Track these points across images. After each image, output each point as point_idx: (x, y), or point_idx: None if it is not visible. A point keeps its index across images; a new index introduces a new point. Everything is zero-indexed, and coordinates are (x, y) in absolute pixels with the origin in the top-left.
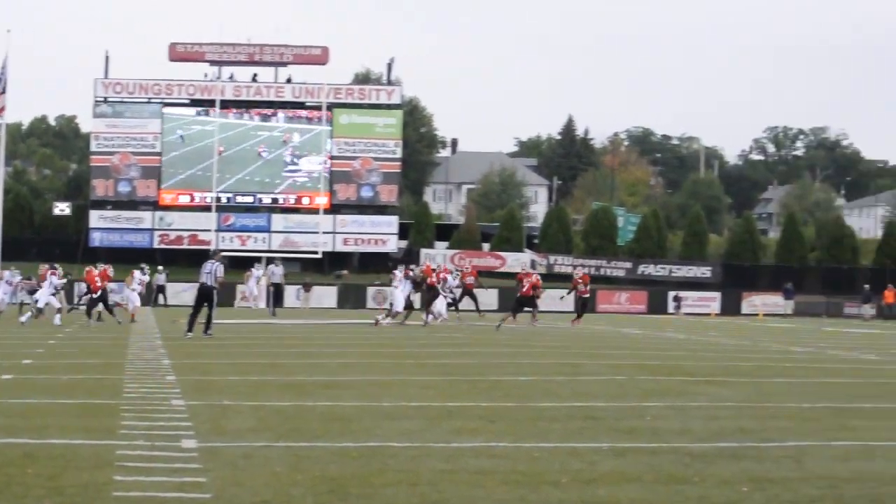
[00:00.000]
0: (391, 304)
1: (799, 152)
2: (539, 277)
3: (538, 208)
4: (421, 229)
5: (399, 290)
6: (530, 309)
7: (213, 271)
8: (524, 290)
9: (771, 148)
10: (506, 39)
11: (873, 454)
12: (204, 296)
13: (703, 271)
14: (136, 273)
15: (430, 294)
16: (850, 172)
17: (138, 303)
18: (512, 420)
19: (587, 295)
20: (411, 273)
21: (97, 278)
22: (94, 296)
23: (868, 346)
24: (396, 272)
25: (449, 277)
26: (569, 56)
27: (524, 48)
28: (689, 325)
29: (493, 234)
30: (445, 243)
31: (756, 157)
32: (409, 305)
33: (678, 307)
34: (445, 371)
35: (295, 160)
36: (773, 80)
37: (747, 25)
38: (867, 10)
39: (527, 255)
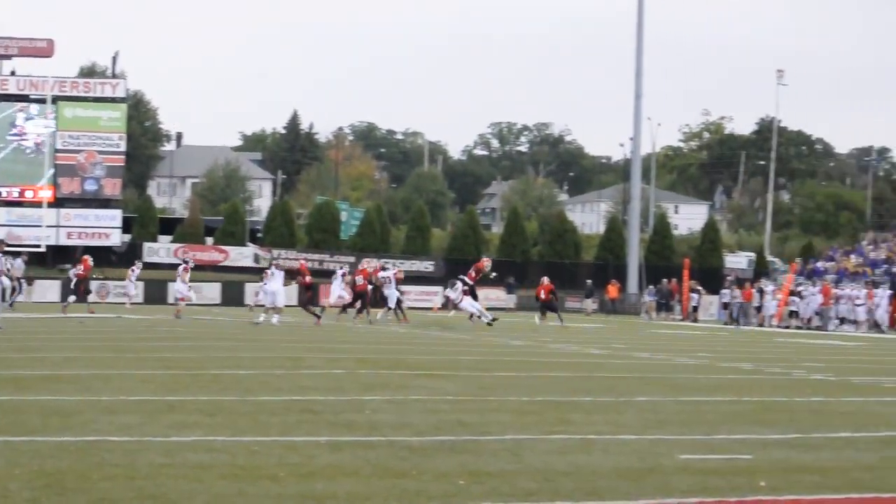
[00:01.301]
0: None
1: (522, 148)
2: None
3: (262, 202)
4: (145, 223)
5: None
6: (553, 312)
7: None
8: (543, 296)
9: (495, 143)
10: (231, 33)
11: (591, 447)
12: None
13: (426, 265)
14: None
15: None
16: (573, 168)
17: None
18: (231, 414)
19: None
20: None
21: None
22: None
23: (590, 341)
24: (270, 270)
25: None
26: (293, 50)
27: (249, 42)
28: (411, 318)
29: (217, 228)
30: (169, 237)
31: (480, 152)
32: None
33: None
34: (166, 365)
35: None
36: (498, 76)
37: (472, 20)
38: (587, 9)
39: (250, 249)
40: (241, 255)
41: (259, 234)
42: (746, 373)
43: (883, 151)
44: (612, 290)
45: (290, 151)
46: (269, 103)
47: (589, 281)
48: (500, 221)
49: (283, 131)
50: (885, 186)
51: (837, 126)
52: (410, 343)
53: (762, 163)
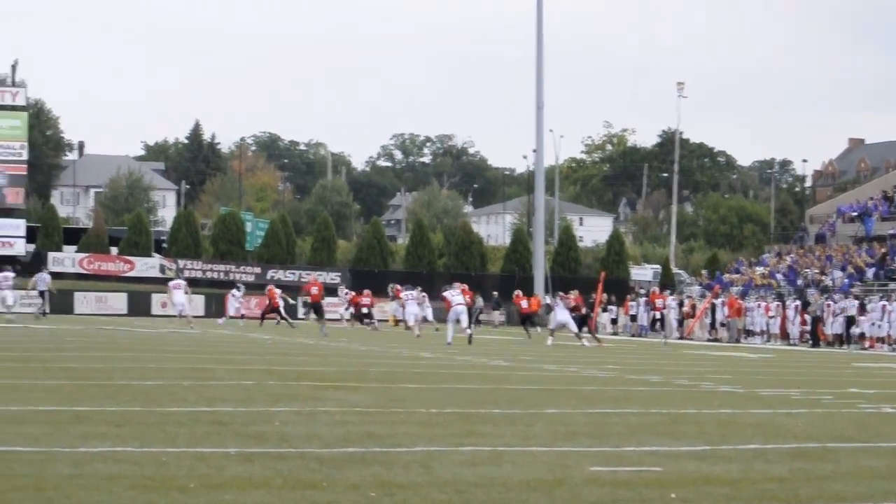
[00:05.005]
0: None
1: (426, 159)
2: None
3: (166, 212)
4: (49, 233)
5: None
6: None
7: None
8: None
9: (399, 155)
10: (133, 42)
11: (501, 459)
12: None
13: (333, 276)
14: None
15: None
16: (478, 180)
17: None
18: (139, 424)
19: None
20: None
21: None
22: None
23: (497, 353)
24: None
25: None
26: (195, 59)
27: (152, 51)
28: (318, 329)
29: (122, 238)
30: (74, 247)
31: (384, 163)
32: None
33: (308, 312)
34: (72, 375)
35: None
36: (400, 87)
37: (374, 30)
38: (487, 20)
39: (156, 260)
40: (147, 266)
41: (164, 245)
42: (654, 385)
43: (785, 164)
44: (534, 304)
45: (193, 162)
46: (172, 113)
47: (495, 293)
48: (405, 233)
49: (186, 141)
50: (787, 198)
51: (739, 138)
52: (317, 354)
53: (665, 175)
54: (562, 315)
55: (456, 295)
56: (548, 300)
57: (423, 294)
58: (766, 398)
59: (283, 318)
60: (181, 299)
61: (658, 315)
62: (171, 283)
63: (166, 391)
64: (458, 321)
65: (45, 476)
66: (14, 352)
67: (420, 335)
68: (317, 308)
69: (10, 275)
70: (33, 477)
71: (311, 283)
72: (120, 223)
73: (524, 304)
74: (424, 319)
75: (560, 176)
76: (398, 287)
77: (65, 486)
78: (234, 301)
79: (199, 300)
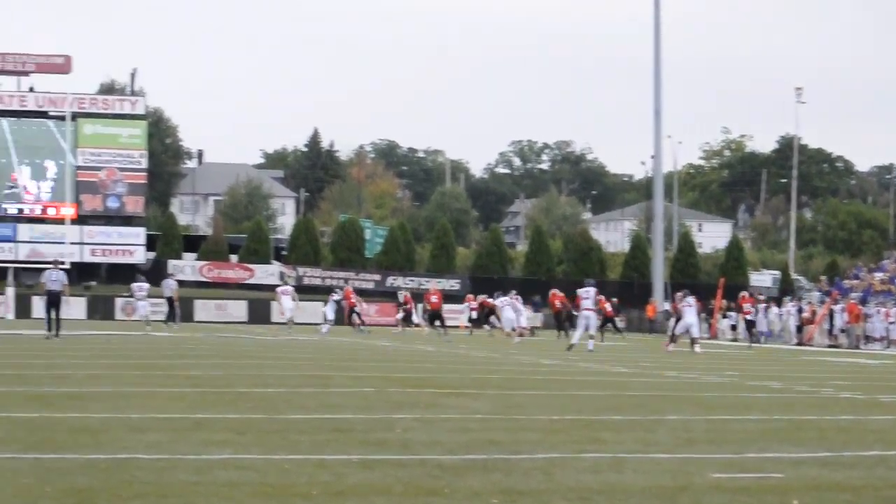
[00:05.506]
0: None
1: (544, 166)
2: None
3: (285, 220)
4: (168, 240)
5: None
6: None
7: (59, 279)
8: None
9: (517, 161)
10: (251, 50)
11: (622, 466)
12: (53, 301)
13: (452, 284)
14: None
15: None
16: (596, 186)
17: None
18: (260, 432)
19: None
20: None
21: None
22: None
23: (618, 359)
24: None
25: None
26: (313, 67)
27: (270, 59)
28: (438, 337)
29: (241, 246)
30: (194, 255)
31: (502, 170)
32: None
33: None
34: (193, 382)
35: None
36: (517, 94)
37: (491, 38)
38: (605, 27)
39: (275, 267)
40: (267, 273)
41: (284, 252)
42: (775, 391)
43: None
44: (650, 310)
45: (312, 169)
46: (290, 121)
47: (614, 299)
48: (524, 240)
49: (305, 149)
50: None
51: (857, 144)
52: (437, 361)
53: (783, 181)
54: (690, 317)
55: (587, 298)
56: (666, 306)
57: (517, 297)
58: (887, 404)
59: (362, 322)
60: (290, 305)
61: (747, 318)
62: (279, 290)
63: (287, 398)
64: (587, 327)
65: (167, 483)
66: (135, 359)
67: (519, 342)
68: (437, 315)
69: (145, 285)
70: (155, 484)
71: (432, 291)
72: (239, 231)
73: (608, 307)
74: (518, 330)
75: (678, 182)
76: (489, 300)
77: (187, 493)
78: (330, 306)
79: (318, 308)
